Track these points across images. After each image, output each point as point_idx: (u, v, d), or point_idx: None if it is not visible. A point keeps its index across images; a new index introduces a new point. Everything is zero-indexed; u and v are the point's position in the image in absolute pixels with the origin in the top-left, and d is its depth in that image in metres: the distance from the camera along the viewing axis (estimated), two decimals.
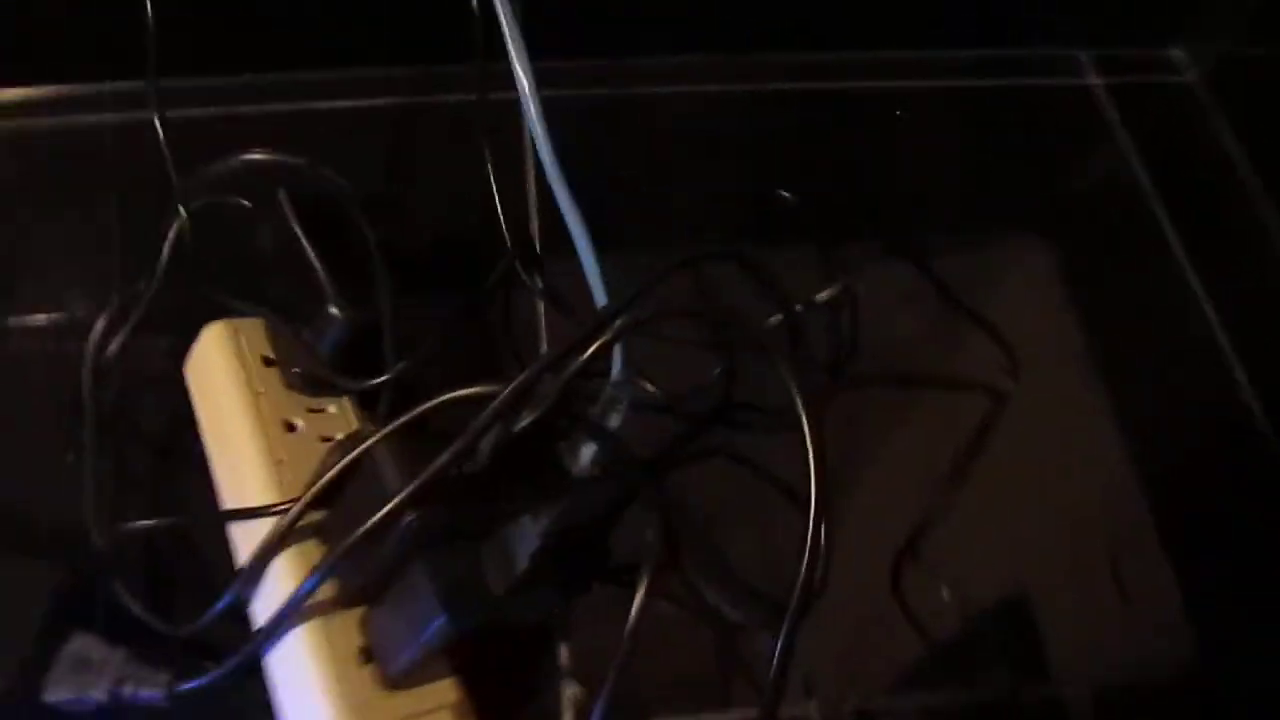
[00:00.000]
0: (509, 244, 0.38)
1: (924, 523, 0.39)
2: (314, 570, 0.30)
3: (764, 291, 0.36)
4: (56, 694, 0.32)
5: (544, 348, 0.40)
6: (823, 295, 0.39)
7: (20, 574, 0.33)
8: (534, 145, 0.31)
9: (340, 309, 0.33)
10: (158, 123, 0.36)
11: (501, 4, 0.30)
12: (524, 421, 0.30)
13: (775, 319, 0.38)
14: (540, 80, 0.30)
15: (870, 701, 0.36)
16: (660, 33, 0.49)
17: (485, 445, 0.30)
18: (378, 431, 0.31)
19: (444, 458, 0.29)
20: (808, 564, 0.30)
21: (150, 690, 0.32)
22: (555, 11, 0.38)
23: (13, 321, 0.41)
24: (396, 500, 0.28)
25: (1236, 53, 0.55)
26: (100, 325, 0.36)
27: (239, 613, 0.33)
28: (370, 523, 0.29)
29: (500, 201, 0.38)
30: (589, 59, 0.47)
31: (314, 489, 0.31)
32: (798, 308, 0.38)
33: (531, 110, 0.30)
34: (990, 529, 0.40)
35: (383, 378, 0.34)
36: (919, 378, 0.43)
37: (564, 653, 0.35)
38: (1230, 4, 0.55)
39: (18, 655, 0.32)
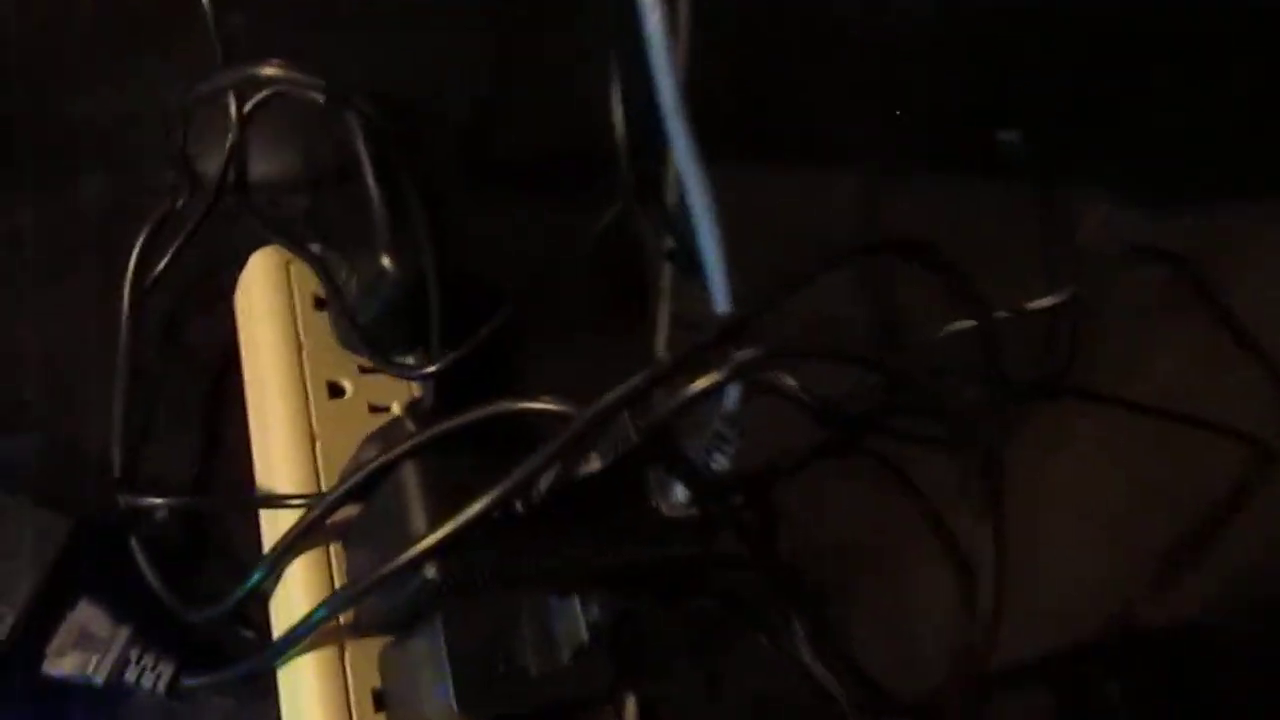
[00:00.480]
0: (625, 187, 0.29)
1: (1130, 602, 0.30)
2: (322, 603, 0.24)
3: (955, 289, 0.27)
4: (57, 667, 0.28)
5: (662, 319, 0.32)
6: (1040, 303, 0.29)
7: (30, 518, 0.29)
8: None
9: (393, 260, 0.26)
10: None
11: None
12: (592, 466, 0.23)
13: (958, 326, 0.28)
14: None
15: None
16: None
17: (543, 484, 0.23)
18: (413, 437, 0.24)
19: (482, 503, 0.22)
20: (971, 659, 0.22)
21: (152, 681, 0.28)
22: None
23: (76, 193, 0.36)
24: (413, 553, 0.22)
25: None
26: (141, 239, 0.30)
27: (260, 598, 0.28)
28: (381, 574, 0.22)
29: (627, 127, 0.29)
30: None
31: (333, 496, 0.25)
32: (1000, 314, 0.29)
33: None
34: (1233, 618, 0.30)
35: (429, 368, 0.27)
36: (1155, 408, 0.32)
37: (630, 710, 0.29)
38: None
39: (20, 606, 0.28)
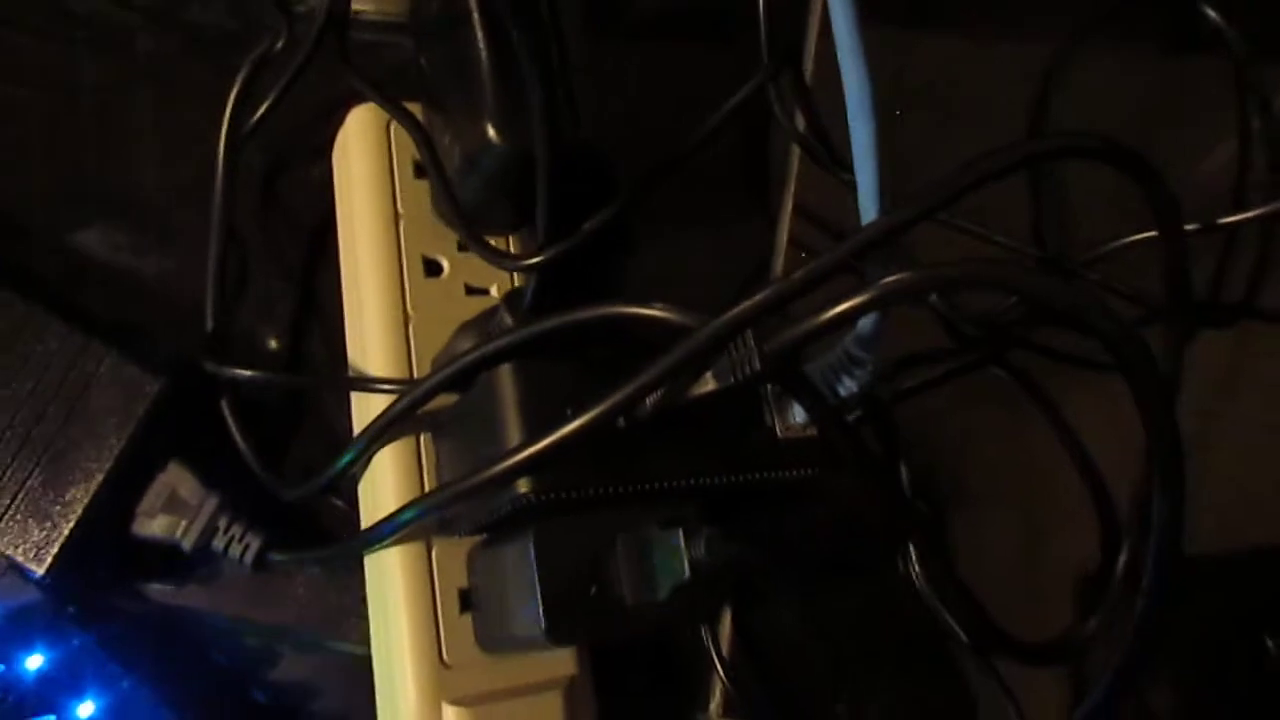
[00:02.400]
0: (765, 55, 0.25)
1: None
2: (411, 503, 0.23)
3: (1148, 196, 0.23)
4: (146, 529, 0.28)
5: (789, 209, 0.29)
6: (1232, 219, 0.25)
7: (124, 372, 0.28)
8: None
9: (499, 132, 0.23)
10: None
11: None
12: (707, 387, 0.20)
13: (1134, 238, 0.24)
14: None
15: None
16: None
17: (649, 402, 0.21)
18: (512, 332, 0.22)
19: (583, 419, 0.20)
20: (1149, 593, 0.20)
21: (239, 551, 0.27)
22: None
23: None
24: (506, 465, 0.20)
25: None
26: (236, 85, 0.28)
27: (348, 482, 0.27)
28: (471, 483, 0.21)
29: None
30: None
31: (427, 385, 0.23)
32: (1190, 228, 0.25)
33: None
34: None
35: (532, 259, 0.24)
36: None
37: (724, 631, 0.27)
38: None
39: (103, 471, 0.27)
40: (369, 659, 0.26)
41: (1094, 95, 0.32)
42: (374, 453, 0.25)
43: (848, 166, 0.22)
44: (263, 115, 0.29)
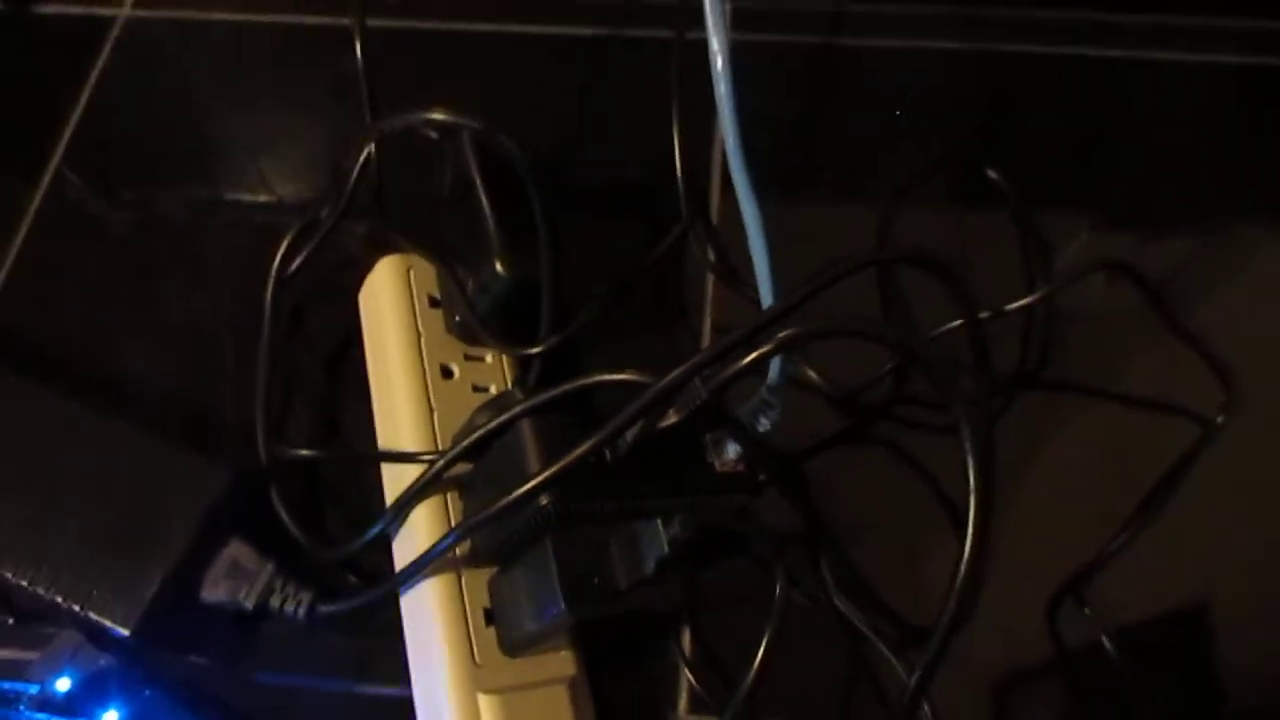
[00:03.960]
0: (684, 213, 0.36)
1: (1099, 556, 0.36)
2: (452, 530, 0.31)
3: (952, 292, 0.33)
4: (213, 594, 0.34)
5: (708, 323, 0.39)
6: (1015, 305, 0.35)
7: (194, 467, 0.35)
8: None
9: (504, 265, 0.33)
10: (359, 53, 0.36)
11: None
12: (669, 420, 0.29)
13: (950, 326, 0.35)
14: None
15: None
16: None
17: (629, 436, 0.29)
18: (525, 401, 0.31)
19: (585, 446, 0.28)
20: (960, 590, 0.28)
21: (293, 607, 0.34)
22: None
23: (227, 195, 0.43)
24: (532, 484, 0.28)
25: None
26: (286, 242, 0.37)
27: (383, 543, 0.34)
28: (505, 501, 0.29)
29: (682, 165, 0.36)
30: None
31: (459, 449, 0.31)
32: (984, 314, 0.35)
33: (718, 66, 0.28)
34: (1171, 570, 0.37)
35: (536, 349, 0.33)
36: (1115, 395, 0.39)
37: (685, 640, 0.35)
38: None
39: (182, 547, 0.34)
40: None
41: (923, 241, 0.42)
42: (410, 511, 0.33)
43: (750, 284, 0.32)
44: (300, 265, 0.38)
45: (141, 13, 0.49)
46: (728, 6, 0.27)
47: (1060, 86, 0.47)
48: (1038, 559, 0.36)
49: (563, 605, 0.28)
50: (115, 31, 0.49)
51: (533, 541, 0.30)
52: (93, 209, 0.44)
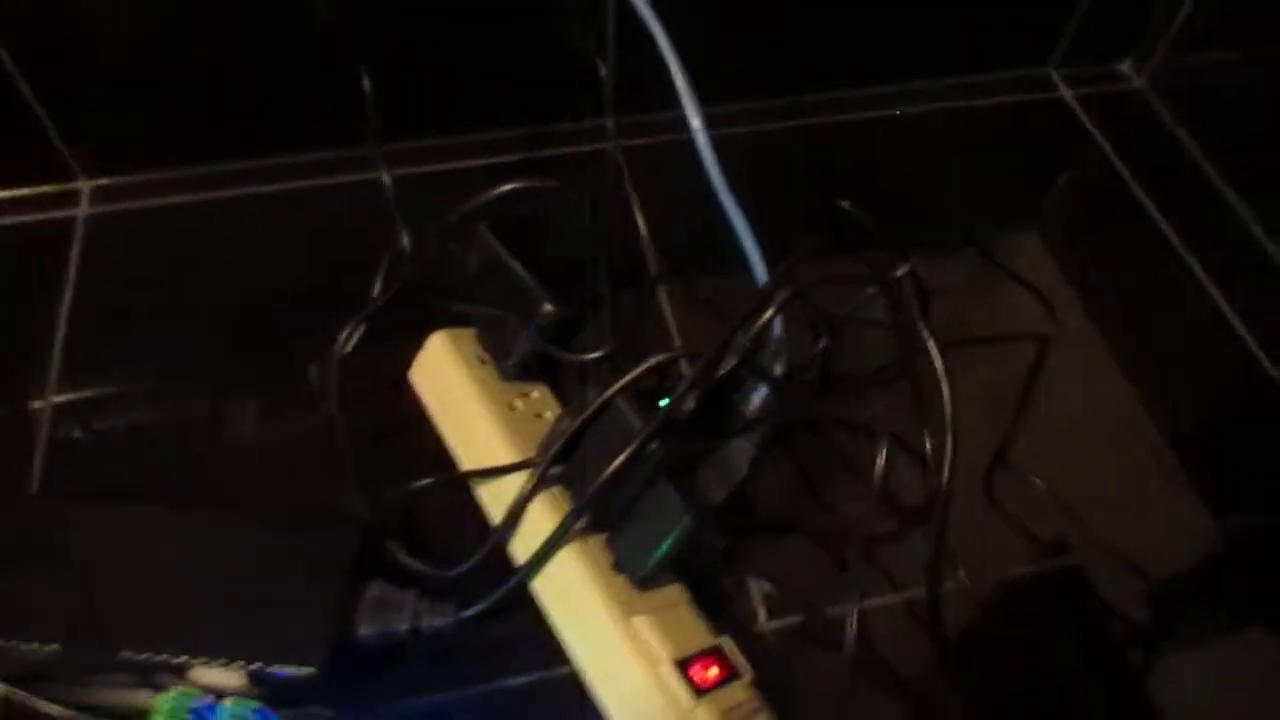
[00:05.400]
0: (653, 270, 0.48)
1: (1005, 440, 0.49)
2: (576, 504, 0.39)
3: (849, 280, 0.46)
4: (368, 629, 0.40)
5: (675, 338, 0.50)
6: (899, 271, 0.49)
7: (323, 542, 0.41)
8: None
9: (553, 304, 0.43)
10: (387, 181, 0.45)
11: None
12: (724, 369, 0.39)
13: (870, 291, 0.48)
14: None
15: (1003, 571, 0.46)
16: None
17: (691, 397, 0.39)
18: (610, 388, 0.40)
19: (678, 395, 0.38)
20: (949, 465, 0.40)
21: (441, 618, 0.40)
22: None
23: None
24: (645, 433, 0.38)
25: (1170, 63, 0.67)
26: (342, 338, 0.45)
27: (497, 557, 0.42)
28: (626, 453, 0.38)
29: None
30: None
31: (563, 439, 0.40)
32: (900, 272, 0.48)
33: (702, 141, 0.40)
34: (1055, 439, 0.50)
35: (600, 352, 0.43)
36: (977, 336, 0.53)
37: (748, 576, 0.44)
38: (1161, 26, 0.67)
39: (333, 604, 0.39)
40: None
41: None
42: (522, 514, 0.41)
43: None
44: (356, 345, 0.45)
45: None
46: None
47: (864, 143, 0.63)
48: (970, 448, 0.49)
49: (689, 516, 0.37)
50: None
51: (647, 487, 0.39)
52: None
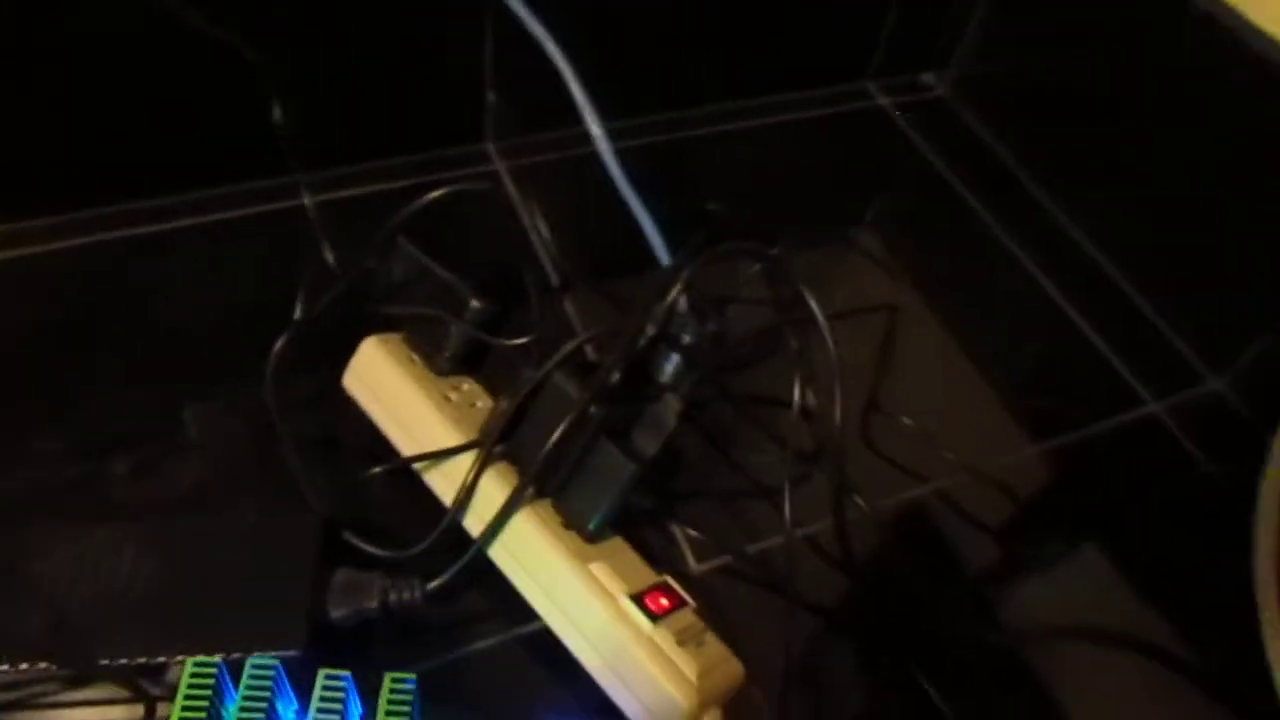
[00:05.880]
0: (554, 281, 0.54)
1: (872, 391, 0.57)
2: (527, 473, 0.43)
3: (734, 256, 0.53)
4: (340, 611, 0.43)
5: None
6: (774, 250, 0.56)
7: (285, 537, 0.43)
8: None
9: (480, 300, 0.47)
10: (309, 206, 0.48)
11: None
12: (645, 340, 0.45)
13: (753, 269, 0.55)
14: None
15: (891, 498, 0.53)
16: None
17: (616, 367, 0.45)
18: (548, 364, 0.44)
19: (607, 367, 0.43)
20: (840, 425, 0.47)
21: (409, 593, 0.43)
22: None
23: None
24: (586, 399, 0.42)
25: (964, 73, 0.78)
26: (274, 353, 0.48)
27: (455, 535, 0.45)
28: (569, 421, 0.42)
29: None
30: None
31: (506, 416, 0.44)
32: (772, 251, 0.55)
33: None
34: (913, 388, 0.58)
35: (529, 337, 0.48)
36: (838, 311, 0.60)
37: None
38: (954, 41, 0.78)
39: (306, 589, 0.42)
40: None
41: None
42: (475, 488, 0.44)
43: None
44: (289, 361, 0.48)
45: None
46: None
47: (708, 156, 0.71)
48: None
49: (634, 466, 0.42)
50: None
51: (588, 449, 0.44)
52: None
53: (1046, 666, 0.48)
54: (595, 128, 0.46)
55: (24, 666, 0.39)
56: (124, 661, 0.40)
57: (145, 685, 0.40)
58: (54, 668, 0.39)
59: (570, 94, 0.46)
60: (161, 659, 0.40)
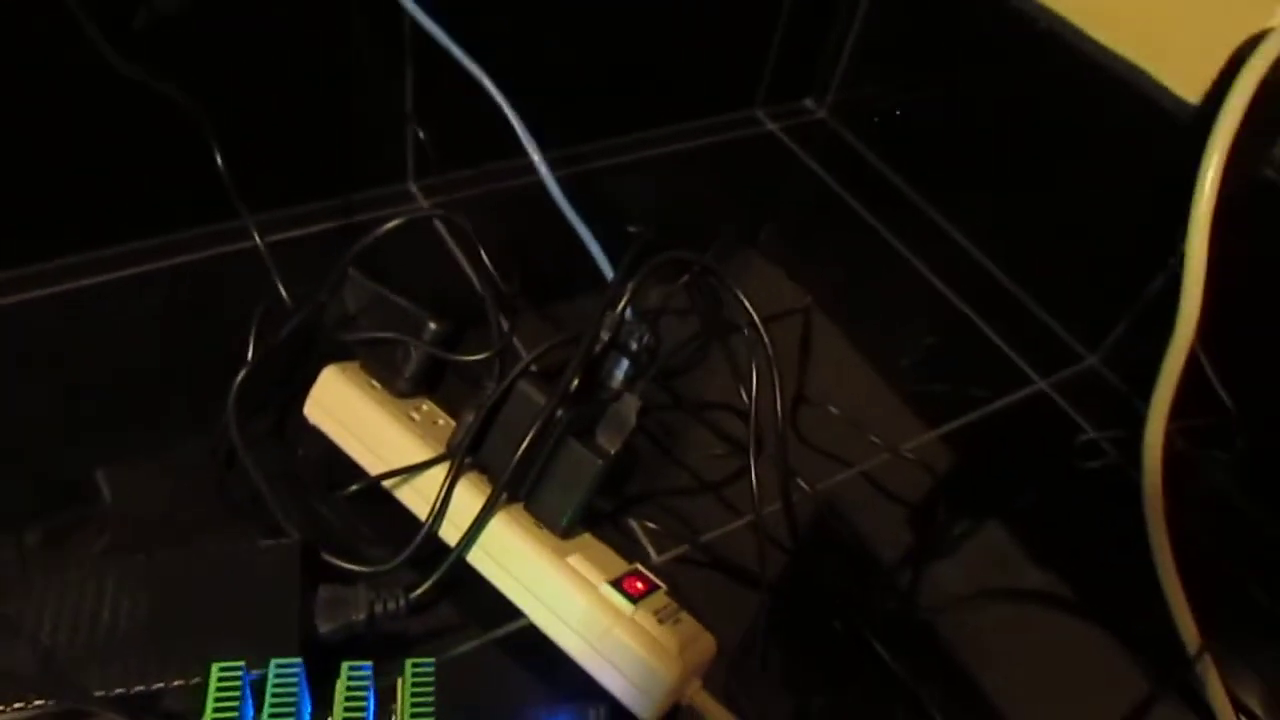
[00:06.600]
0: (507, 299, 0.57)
1: (799, 385, 0.62)
2: (501, 477, 0.46)
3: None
4: (328, 626, 0.44)
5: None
6: (704, 259, 0.60)
7: (266, 561, 0.44)
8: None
9: (438, 322, 0.50)
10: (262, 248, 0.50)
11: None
12: (600, 345, 0.48)
13: (683, 280, 0.59)
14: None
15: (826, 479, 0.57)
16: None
17: (577, 372, 0.48)
18: (512, 373, 0.47)
19: (570, 372, 0.46)
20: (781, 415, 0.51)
21: (394, 603, 0.45)
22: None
23: None
24: (552, 404, 0.45)
25: (838, 98, 0.85)
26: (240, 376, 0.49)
27: (432, 545, 0.47)
28: (538, 423, 0.45)
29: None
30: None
31: (474, 427, 0.47)
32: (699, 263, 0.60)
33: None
34: (823, 385, 0.63)
35: (487, 354, 0.50)
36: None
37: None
38: (827, 72, 0.85)
39: (293, 611, 0.43)
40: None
41: None
42: (449, 502, 0.47)
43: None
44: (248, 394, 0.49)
45: None
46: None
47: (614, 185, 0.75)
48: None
49: (601, 462, 0.46)
50: None
51: (555, 452, 0.47)
52: None
53: (972, 626, 0.53)
54: (536, 156, 0.50)
55: (18, 706, 0.39)
56: (121, 691, 0.40)
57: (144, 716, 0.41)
58: (49, 702, 0.39)
59: (511, 127, 0.50)
60: (159, 685, 0.41)
